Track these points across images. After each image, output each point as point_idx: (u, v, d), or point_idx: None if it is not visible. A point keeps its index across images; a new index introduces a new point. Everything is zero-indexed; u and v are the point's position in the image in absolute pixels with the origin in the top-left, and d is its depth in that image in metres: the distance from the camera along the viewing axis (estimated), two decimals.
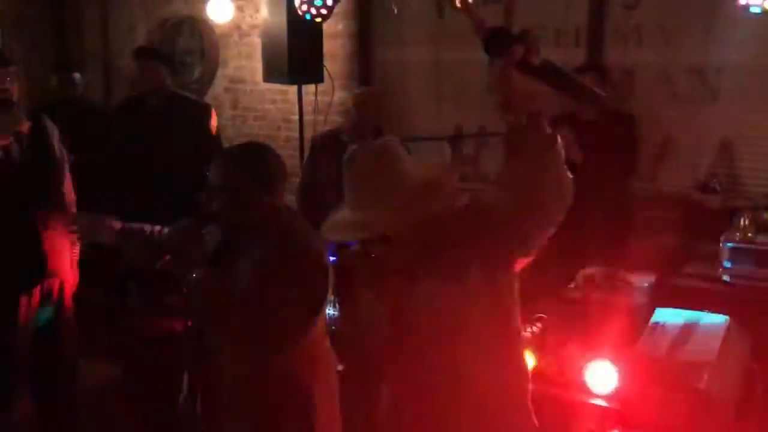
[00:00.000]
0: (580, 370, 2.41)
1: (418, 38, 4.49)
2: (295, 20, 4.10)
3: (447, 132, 4.14)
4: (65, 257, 2.95)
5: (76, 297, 3.11)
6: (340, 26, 4.73)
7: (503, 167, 1.74)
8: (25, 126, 2.78)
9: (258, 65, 4.87)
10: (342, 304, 2.78)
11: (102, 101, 5.69)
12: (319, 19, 4.04)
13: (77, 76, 4.54)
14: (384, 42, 4.65)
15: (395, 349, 1.79)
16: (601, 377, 2.36)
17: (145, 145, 3.66)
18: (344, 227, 1.72)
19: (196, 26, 5.43)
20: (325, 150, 3.55)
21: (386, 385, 1.86)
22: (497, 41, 1.67)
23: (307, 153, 3.97)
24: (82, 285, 3.15)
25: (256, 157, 2.00)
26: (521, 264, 1.74)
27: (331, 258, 2.92)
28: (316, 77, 4.41)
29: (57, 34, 6.22)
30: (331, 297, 3.04)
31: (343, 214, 1.74)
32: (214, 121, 4.11)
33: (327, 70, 4.44)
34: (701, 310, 2.70)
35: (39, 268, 2.85)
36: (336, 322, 2.78)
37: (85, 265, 3.17)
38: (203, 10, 4.90)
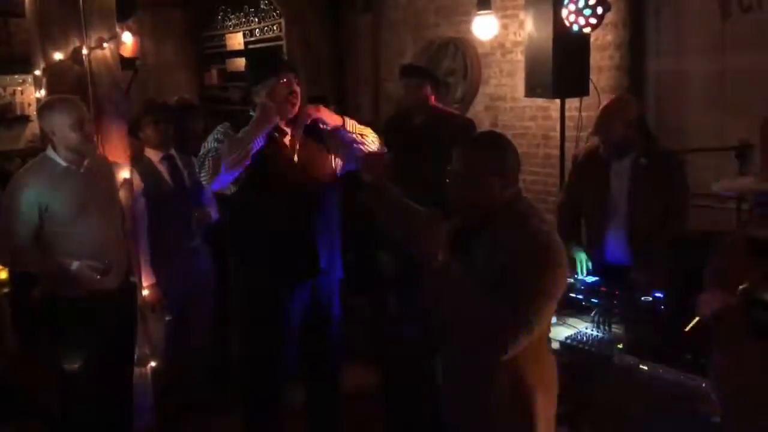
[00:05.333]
0: None
1: (698, 45, 4.08)
2: (561, 32, 4.01)
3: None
4: (336, 258, 3.10)
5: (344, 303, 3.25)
6: (609, 37, 4.50)
7: None
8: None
9: (519, 83, 4.83)
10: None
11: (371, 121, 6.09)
12: (587, 30, 3.91)
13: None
14: (658, 51, 4.32)
15: None
16: None
17: (412, 159, 3.77)
18: None
19: (459, 46, 5.57)
20: (586, 166, 3.49)
21: None
22: None
23: (569, 170, 3.83)
24: (350, 293, 3.28)
25: (498, 148, 2.12)
26: None
27: None
28: (581, 90, 4.24)
29: (336, 68, 6.83)
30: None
31: None
32: None
33: (593, 83, 4.25)
34: None
35: (313, 265, 3.01)
36: None
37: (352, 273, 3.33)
38: (468, 31, 4.99)
